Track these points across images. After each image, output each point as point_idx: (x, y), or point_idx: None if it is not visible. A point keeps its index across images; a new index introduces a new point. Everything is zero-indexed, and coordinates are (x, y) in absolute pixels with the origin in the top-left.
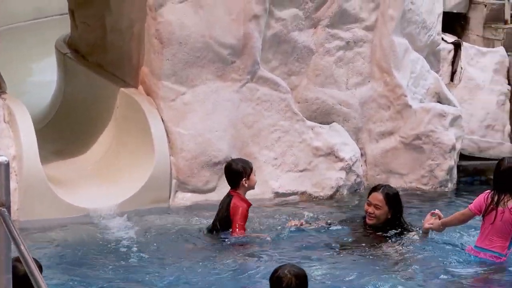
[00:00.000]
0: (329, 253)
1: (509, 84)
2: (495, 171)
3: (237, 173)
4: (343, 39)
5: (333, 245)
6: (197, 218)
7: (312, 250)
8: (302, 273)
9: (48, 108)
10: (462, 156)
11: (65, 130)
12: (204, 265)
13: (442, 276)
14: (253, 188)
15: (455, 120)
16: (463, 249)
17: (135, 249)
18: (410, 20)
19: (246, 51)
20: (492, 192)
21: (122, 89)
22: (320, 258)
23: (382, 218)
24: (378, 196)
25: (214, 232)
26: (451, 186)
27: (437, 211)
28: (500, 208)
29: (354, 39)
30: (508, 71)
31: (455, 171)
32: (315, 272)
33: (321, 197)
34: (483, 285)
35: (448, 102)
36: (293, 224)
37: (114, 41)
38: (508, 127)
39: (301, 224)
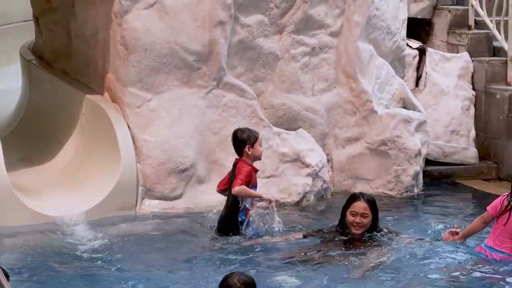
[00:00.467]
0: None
1: (473, 89)
2: None
3: (241, 141)
4: (309, 45)
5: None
6: (163, 225)
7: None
8: (251, 281)
9: (13, 115)
10: (428, 161)
11: (30, 137)
12: (169, 270)
13: (454, 274)
14: (258, 158)
15: (420, 125)
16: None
17: (101, 256)
18: (375, 26)
19: (212, 58)
20: (509, 195)
21: (87, 96)
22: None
23: (368, 226)
24: (362, 205)
25: (229, 205)
26: (417, 191)
27: (456, 227)
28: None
29: (319, 45)
30: (472, 76)
31: (420, 176)
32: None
33: (288, 203)
34: (493, 283)
35: (413, 107)
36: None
37: (79, 47)
38: (473, 132)
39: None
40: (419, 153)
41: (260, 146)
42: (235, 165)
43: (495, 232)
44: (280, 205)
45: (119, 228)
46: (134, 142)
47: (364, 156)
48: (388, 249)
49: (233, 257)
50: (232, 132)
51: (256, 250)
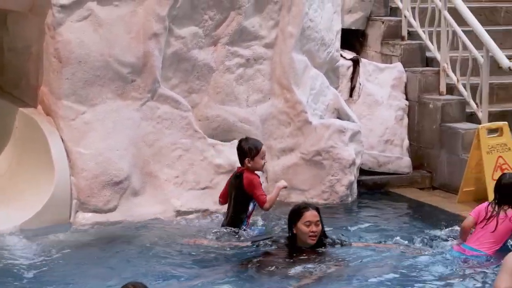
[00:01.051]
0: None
1: (407, 99)
2: (496, 185)
3: (242, 152)
4: (243, 56)
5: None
6: (97, 237)
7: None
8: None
9: None
10: (362, 171)
11: None
12: (102, 284)
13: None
14: (259, 170)
15: (355, 135)
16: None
17: (33, 269)
18: (309, 37)
19: (146, 70)
20: (492, 203)
21: (21, 109)
22: None
23: (319, 234)
24: (314, 213)
25: (232, 215)
26: (351, 200)
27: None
28: (501, 215)
29: (254, 56)
30: (405, 87)
31: (355, 185)
32: None
33: (223, 215)
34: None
35: (347, 118)
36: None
37: (11, 60)
38: (406, 141)
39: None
40: (353, 163)
41: (262, 159)
42: (239, 175)
43: (477, 235)
44: (216, 216)
45: (53, 241)
46: (68, 155)
47: (298, 167)
48: (343, 257)
49: (170, 265)
50: (169, 146)
51: (199, 256)
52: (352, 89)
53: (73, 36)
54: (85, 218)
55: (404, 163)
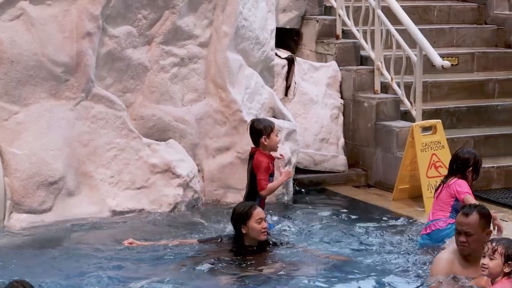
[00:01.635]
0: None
1: (342, 97)
2: (451, 158)
3: (258, 131)
4: (178, 55)
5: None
6: (32, 238)
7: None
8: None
9: None
10: (298, 169)
11: None
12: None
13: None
14: (274, 148)
15: (290, 134)
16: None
17: None
18: (244, 36)
19: (80, 69)
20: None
21: None
22: None
23: None
24: (261, 210)
25: (246, 195)
26: (287, 199)
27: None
28: (445, 184)
29: (188, 55)
30: (340, 85)
31: (291, 184)
32: None
33: (159, 214)
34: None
35: (282, 116)
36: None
37: None
38: (342, 140)
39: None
40: (289, 161)
41: (276, 136)
42: (252, 155)
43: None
44: (151, 216)
45: None
46: (1, 156)
47: (234, 166)
48: (290, 257)
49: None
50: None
51: (136, 256)
52: (287, 88)
53: (5, 35)
54: (19, 219)
55: (339, 161)
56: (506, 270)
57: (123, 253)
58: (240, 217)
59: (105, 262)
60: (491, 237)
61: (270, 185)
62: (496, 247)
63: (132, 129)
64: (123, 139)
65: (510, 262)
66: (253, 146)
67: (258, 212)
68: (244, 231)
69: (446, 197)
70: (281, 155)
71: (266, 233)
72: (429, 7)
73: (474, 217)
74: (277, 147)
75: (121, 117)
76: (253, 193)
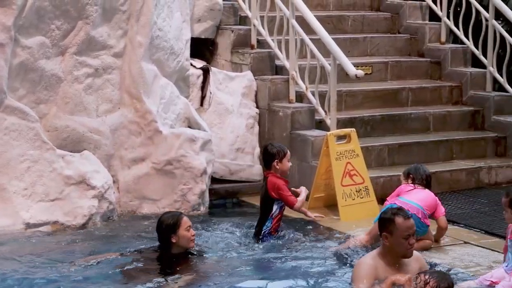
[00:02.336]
0: None
1: (257, 107)
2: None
3: (271, 155)
4: (92, 66)
5: None
6: None
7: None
8: None
9: None
10: (214, 179)
11: None
12: None
13: None
14: (285, 173)
15: (206, 144)
16: None
17: None
18: (158, 47)
19: None
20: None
21: None
22: None
23: None
24: (188, 218)
25: (260, 217)
26: (203, 209)
27: None
28: None
29: (103, 66)
30: (256, 95)
31: (207, 194)
32: None
33: (74, 226)
34: None
35: (198, 126)
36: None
37: None
38: (257, 149)
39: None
40: (204, 171)
41: (288, 161)
42: (265, 178)
43: None
44: (66, 228)
45: None
46: None
47: (150, 176)
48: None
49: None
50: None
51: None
52: (202, 98)
53: None
54: None
55: (255, 171)
56: None
57: (37, 265)
58: (169, 226)
59: (20, 275)
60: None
61: (299, 199)
62: (428, 280)
63: (45, 140)
64: (36, 150)
65: None
66: (265, 171)
67: (186, 220)
68: (174, 240)
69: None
70: (317, 216)
71: (194, 240)
72: (343, 17)
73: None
74: (288, 172)
75: (34, 128)
76: (264, 215)
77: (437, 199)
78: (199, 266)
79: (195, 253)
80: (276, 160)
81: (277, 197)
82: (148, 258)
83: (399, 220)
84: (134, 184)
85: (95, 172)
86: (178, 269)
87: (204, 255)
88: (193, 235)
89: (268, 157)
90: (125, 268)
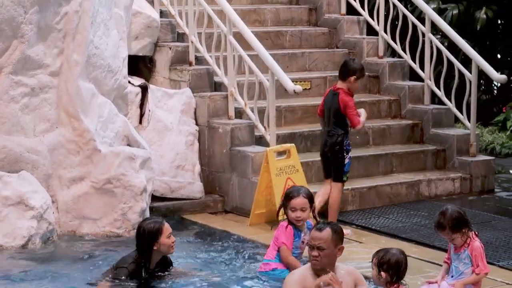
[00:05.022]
0: None
1: (196, 124)
2: None
3: (352, 69)
4: (28, 85)
5: None
6: None
7: None
8: None
9: None
10: (154, 197)
11: None
12: None
13: None
14: (355, 90)
15: (145, 162)
16: None
17: None
18: (95, 65)
19: None
20: None
21: None
22: None
23: None
24: (168, 224)
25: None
26: None
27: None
28: None
29: (39, 85)
30: (195, 112)
31: (147, 213)
32: None
33: (13, 247)
34: None
35: (137, 144)
36: None
37: None
38: (197, 166)
39: None
40: (144, 190)
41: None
42: (336, 93)
43: None
44: (5, 250)
45: None
46: None
47: (89, 196)
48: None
49: None
50: None
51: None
52: (141, 115)
53: None
54: None
55: (196, 188)
56: (382, 279)
57: None
58: (152, 234)
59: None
60: None
61: (362, 120)
62: (372, 258)
63: None
64: None
65: (382, 270)
66: (335, 84)
67: (167, 227)
68: (155, 247)
69: None
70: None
71: (174, 246)
72: (281, 32)
73: (326, 232)
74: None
75: None
76: (338, 129)
77: None
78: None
79: (170, 259)
80: (354, 76)
81: (343, 113)
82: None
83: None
84: (73, 203)
85: (33, 193)
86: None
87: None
88: (173, 242)
89: (347, 70)
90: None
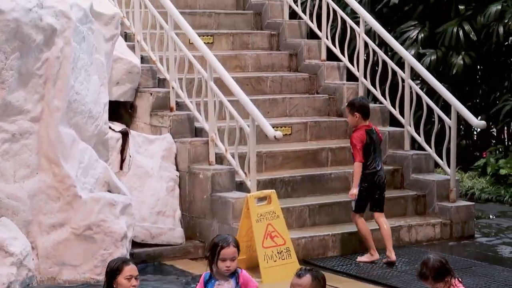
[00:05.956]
0: None
1: (177, 169)
2: None
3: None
4: (9, 131)
5: None
6: None
7: None
8: None
9: None
10: (135, 243)
11: None
12: None
13: None
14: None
15: (126, 208)
16: None
17: None
18: (76, 111)
19: None
20: None
21: None
22: None
23: None
24: (134, 266)
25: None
26: None
27: None
28: None
29: (20, 131)
30: (176, 157)
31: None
32: None
33: None
34: None
35: (117, 190)
36: None
37: None
38: (178, 212)
39: None
40: (125, 236)
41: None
42: (375, 131)
43: None
44: None
45: None
46: None
47: (69, 242)
48: None
49: None
50: None
51: None
52: (122, 161)
53: None
54: None
55: (177, 234)
56: None
57: None
58: (112, 271)
59: None
60: None
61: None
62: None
63: None
64: None
65: None
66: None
67: (129, 269)
68: (115, 286)
69: None
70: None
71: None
72: (262, 78)
73: (306, 278)
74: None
75: None
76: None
77: None
78: None
79: None
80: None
81: (351, 145)
82: None
83: None
84: (53, 250)
85: (13, 239)
86: None
87: None
88: (133, 286)
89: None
90: None
